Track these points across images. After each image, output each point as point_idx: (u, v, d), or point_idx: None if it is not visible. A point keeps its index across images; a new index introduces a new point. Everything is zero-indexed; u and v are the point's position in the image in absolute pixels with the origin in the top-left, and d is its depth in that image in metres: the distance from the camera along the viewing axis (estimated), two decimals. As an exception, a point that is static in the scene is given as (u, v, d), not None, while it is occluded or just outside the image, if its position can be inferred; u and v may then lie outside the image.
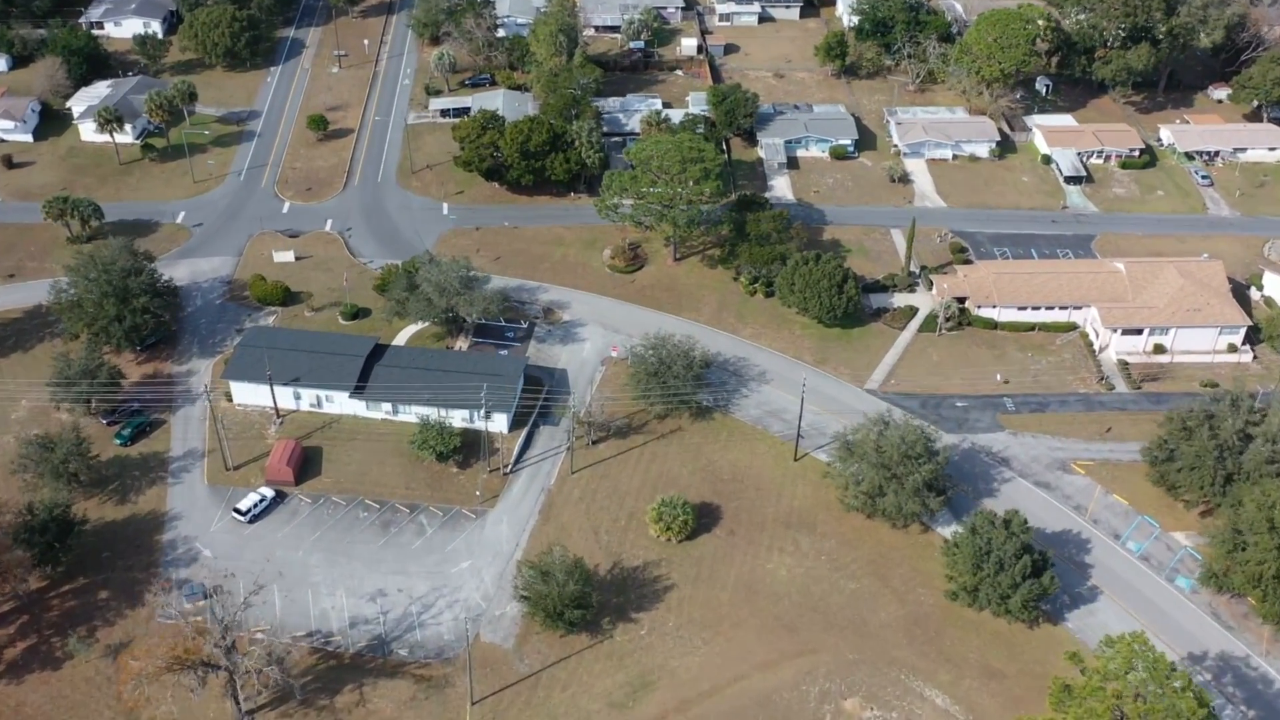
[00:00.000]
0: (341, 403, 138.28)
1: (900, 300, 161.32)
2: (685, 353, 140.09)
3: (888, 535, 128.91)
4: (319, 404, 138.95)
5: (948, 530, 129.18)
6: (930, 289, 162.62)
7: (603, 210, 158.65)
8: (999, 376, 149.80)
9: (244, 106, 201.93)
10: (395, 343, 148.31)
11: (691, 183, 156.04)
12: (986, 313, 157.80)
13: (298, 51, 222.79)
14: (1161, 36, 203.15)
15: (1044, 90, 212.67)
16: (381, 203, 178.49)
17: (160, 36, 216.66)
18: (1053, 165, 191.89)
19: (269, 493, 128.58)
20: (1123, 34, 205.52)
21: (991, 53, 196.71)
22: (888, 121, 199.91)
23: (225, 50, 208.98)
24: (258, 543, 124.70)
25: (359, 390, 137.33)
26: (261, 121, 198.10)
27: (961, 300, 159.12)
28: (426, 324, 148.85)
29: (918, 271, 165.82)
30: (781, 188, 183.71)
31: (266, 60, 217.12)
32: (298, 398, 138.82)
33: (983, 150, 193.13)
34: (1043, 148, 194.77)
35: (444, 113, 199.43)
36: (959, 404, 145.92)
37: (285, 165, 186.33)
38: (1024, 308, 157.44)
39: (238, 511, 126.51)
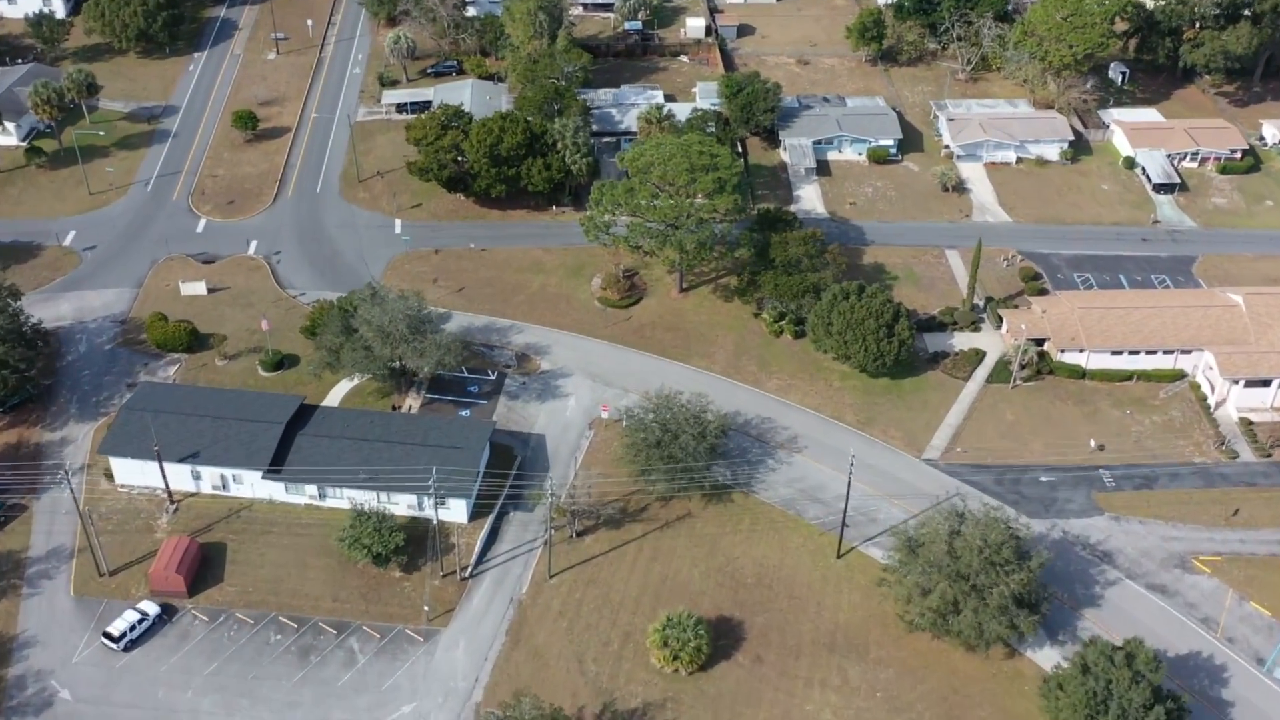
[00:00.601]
0: (254, 484, 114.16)
1: (963, 341, 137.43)
2: (696, 416, 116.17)
3: (962, 663, 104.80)
4: (224, 486, 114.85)
5: (1040, 654, 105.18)
6: (1000, 327, 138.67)
7: (590, 232, 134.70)
8: (1092, 442, 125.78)
9: (158, 101, 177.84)
10: (326, 403, 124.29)
11: (702, 197, 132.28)
12: (1072, 358, 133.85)
13: (228, 34, 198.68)
14: (1264, 13, 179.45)
15: (1119, 79, 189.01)
16: (320, 219, 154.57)
17: (61, 16, 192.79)
18: (1137, 170, 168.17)
19: (151, 609, 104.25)
20: (1217, 10, 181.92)
21: (1061, 34, 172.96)
22: (936, 117, 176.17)
23: (138, 33, 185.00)
24: (133, 679, 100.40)
25: (276, 468, 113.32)
26: (179, 119, 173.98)
27: (1040, 342, 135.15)
28: (367, 377, 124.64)
29: (983, 305, 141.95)
30: (810, 199, 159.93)
31: (190, 44, 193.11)
32: (197, 477, 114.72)
33: (1053, 152, 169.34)
34: (1124, 148, 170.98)
35: (400, 108, 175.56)
36: (1043, 478, 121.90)
37: (204, 173, 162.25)
38: (1119, 351, 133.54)
39: (108, 637, 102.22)
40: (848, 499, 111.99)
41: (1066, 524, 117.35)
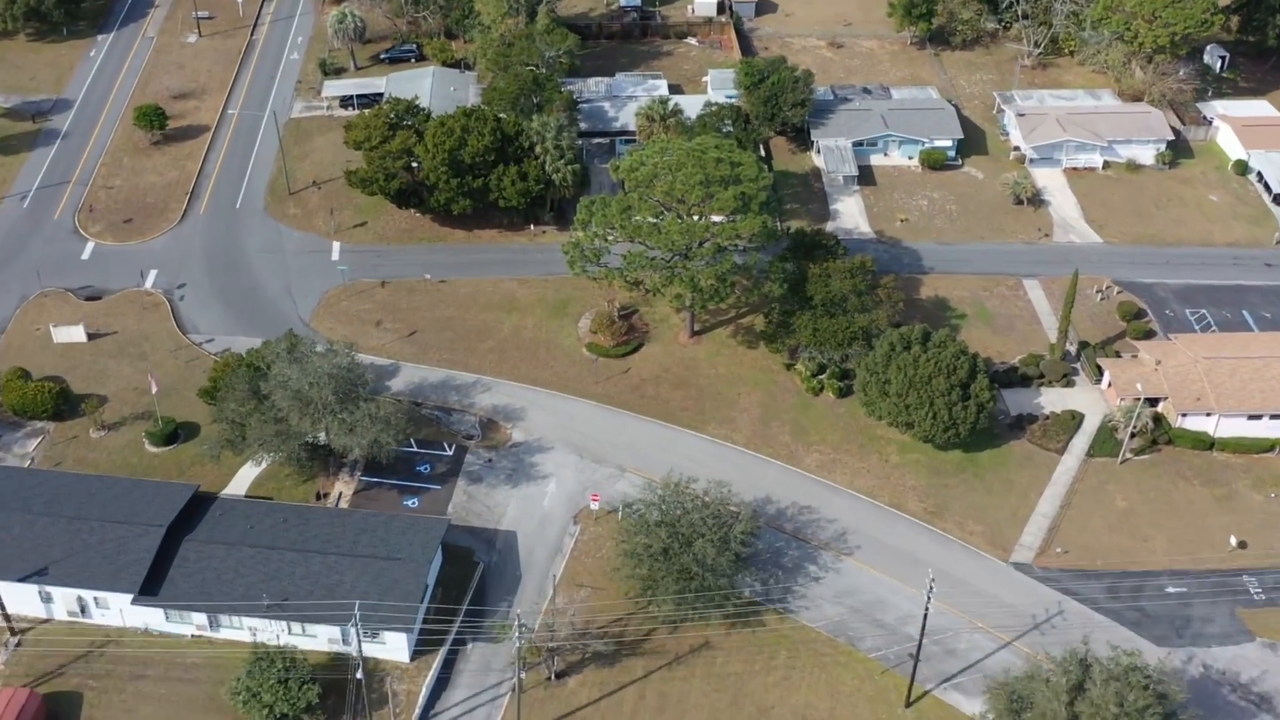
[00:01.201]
0: (122, 610, 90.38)
1: (1053, 400, 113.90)
2: (716, 512, 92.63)
3: None
4: (83, 612, 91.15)
5: None
6: (1100, 381, 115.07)
7: (576, 262, 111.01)
8: (1232, 539, 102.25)
9: (48, 94, 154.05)
10: (229, 491, 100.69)
11: (720, 217, 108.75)
12: (1195, 422, 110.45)
13: (141, 12, 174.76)
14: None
15: (1218, 64, 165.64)
16: (238, 242, 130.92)
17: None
18: (1251, 176, 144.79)
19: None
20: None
21: (1154, 10, 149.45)
22: (1001, 112, 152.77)
23: (27, 10, 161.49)
24: None
25: (152, 589, 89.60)
26: (71, 116, 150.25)
27: (1153, 402, 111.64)
28: (281, 456, 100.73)
29: (1076, 352, 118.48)
30: (850, 214, 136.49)
31: (93, 25, 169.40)
32: (48, 600, 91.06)
33: (1147, 155, 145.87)
34: (1234, 150, 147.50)
35: (345, 101, 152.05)
36: (1171, 589, 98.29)
37: (97, 184, 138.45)
38: (1257, 416, 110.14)
39: (-96, 841, 78.70)
40: (923, 633, 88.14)
41: (1206, 654, 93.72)
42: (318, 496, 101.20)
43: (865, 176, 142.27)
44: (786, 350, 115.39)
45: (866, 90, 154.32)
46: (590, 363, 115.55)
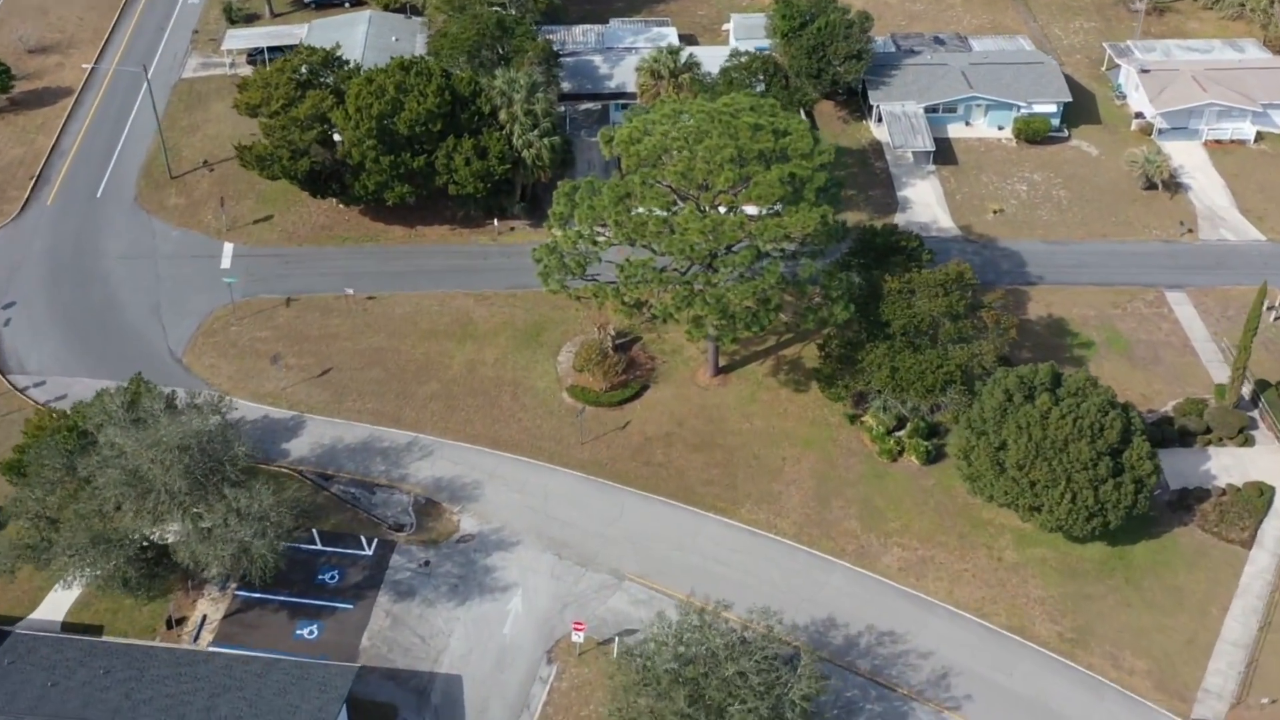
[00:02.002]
0: None
1: (1227, 465, 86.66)
2: (761, 659, 65.37)
3: None
4: None
5: None
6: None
7: (550, 275, 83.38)
8: None
9: None
10: (35, 619, 73.41)
11: (757, 209, 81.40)
12: None
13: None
14: None
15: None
16: (96, 243, 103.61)
17: None
18: None
19: None
20: None
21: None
22: (1115, 68, 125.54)
23: None
24: None
25: (-108, 787, 62.67)
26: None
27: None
28: (100, 576, 72.87)
29: (1251, 397, 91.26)
30: (925, 204, 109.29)
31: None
32: None
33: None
34: None
35: (253, 57, 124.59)
36: None
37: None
38: None
39: None
40: None
41: None
42: (169, 624, 73.94)
43: (942, 153, 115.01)
44: (850, 397, 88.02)
45: (938, 40, 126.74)
46: (574, 414, 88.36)
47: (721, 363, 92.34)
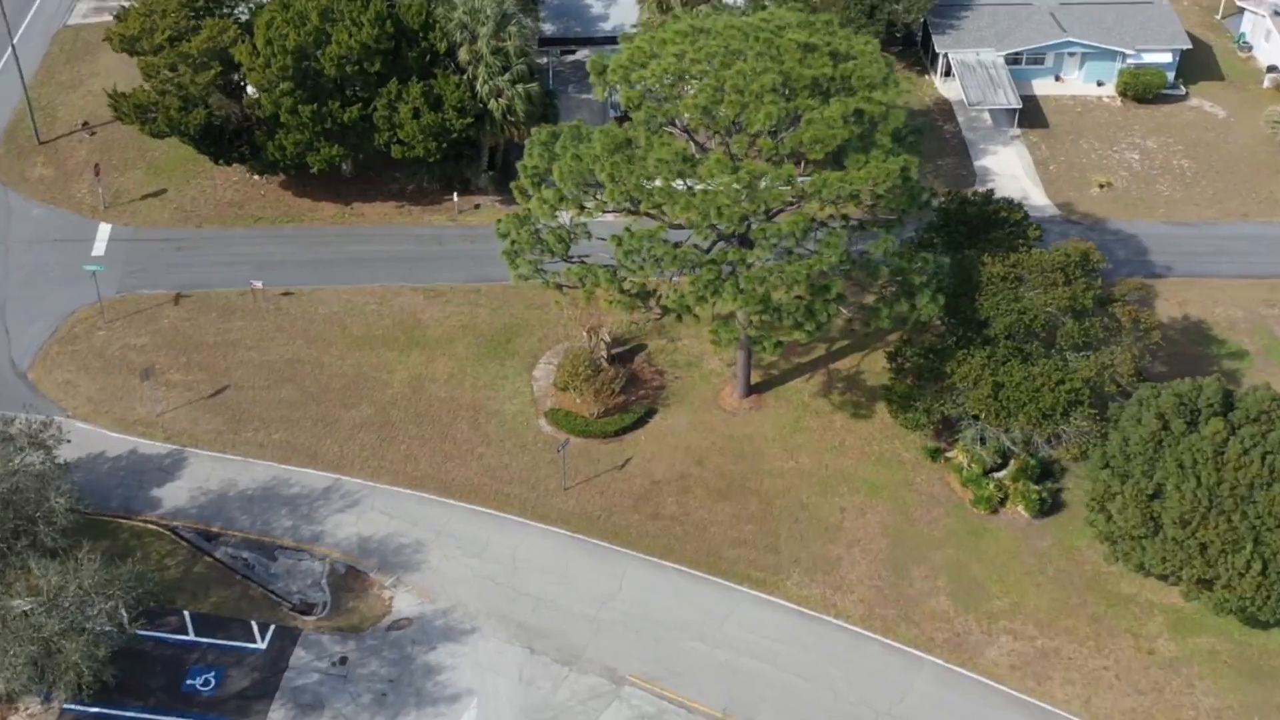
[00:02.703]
0: None
1: None
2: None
3: None
4: None
5: None
6: None
7: (521, 257, 63.13)
8: None
9: None
10: None
11: (806, 167, 61.46)
12: None
13: None
14: None
15: None
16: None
17: None
18: None
19: None
20: None
21: None
22: (1237, 15, 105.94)
23: None
24: None
25: None
26: None
27: None
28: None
29: None
30: (1011, 174, 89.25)
31: None
32: None
33: None
34: None
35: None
36: None
37: None
38: None
39: None
40: None
41: None
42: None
43: (1027, 115, 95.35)
44: (932, 424, 68.11)
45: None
46: (554, 448, 68.46)
47: (755, 379, 72.39)
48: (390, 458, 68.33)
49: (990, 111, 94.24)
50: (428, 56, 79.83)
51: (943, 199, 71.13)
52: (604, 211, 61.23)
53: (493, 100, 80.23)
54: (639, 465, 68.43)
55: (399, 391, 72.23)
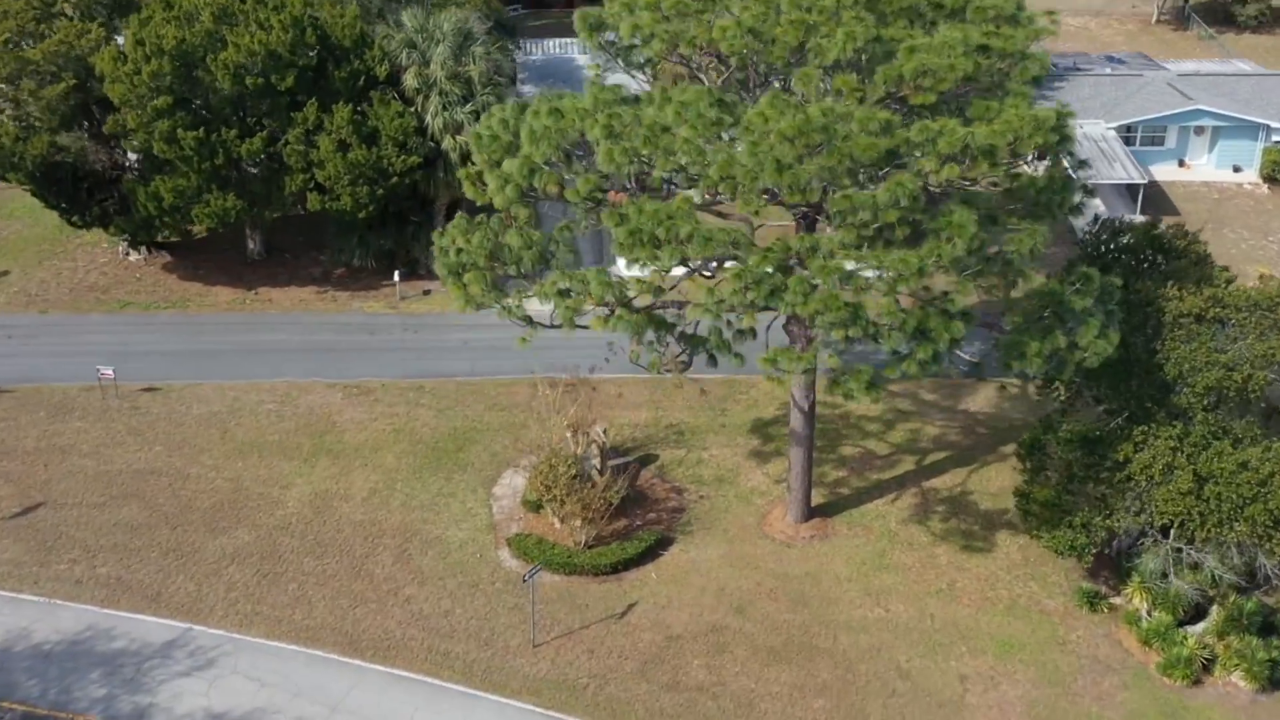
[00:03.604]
0: None
1: None
2: None
3: None
4: None
5: None
6: None
7: (471, 281, 42.87)
8: None
9: None
10: None
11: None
12: None
13: None
14: None
15: None
16: None
17: None
18: None
19: None
20: None
21: None
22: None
23: None
24: None
25: None
26: None
27: None
28: None
29: None
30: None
31: None
32: None
33: None
34: None
35: None
36: None
37: None
38: None
39: None
40: None
41: None
42: None
43: (1151, 201, 77.42)
44: (1093, 544, 47.53)
45: (1114, 59, 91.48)
46: (516, 587, 47.95)
47: (818, 499, 52.38)
48: (272, 601, 47.71)
49: (1104, 198, 76.71)
50: (360, 80, 62.53)
51: (1095, 225, 52.43)
52: (595, 195, 42.15)
53: (448, 138, 62.53)
54: (648, 614, 47.75)
55: (294, 513, 52.04)
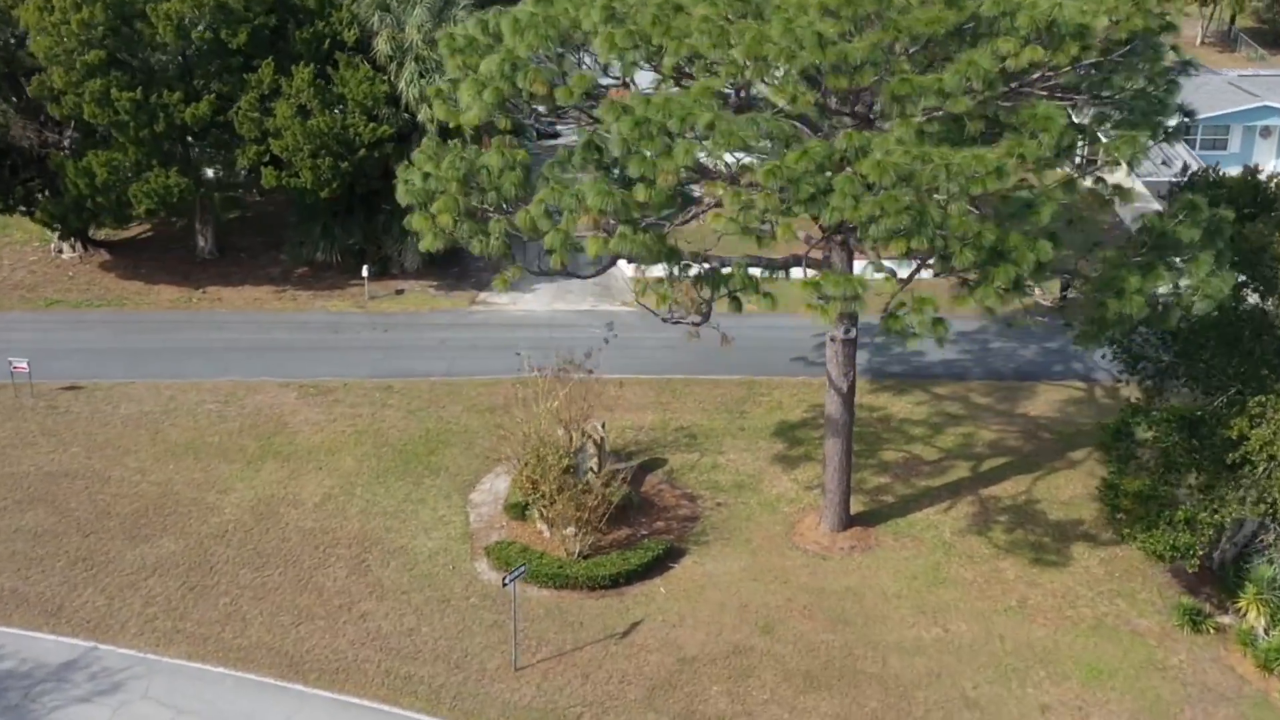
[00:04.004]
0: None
1: None
2: None
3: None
4: None
5: None
6: None
7: (440, 208, 35.88)
8: None
9: None
10: None
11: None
12: None
13: None
14: None
15: None
16: None
17: None
18: None
19: None
20: None
21: None
22: None
23: None
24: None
25: None
26: None
27: None
28: None
29: None
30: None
31: None
32: None
33: None
34: None
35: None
36: None
37: None
38: None
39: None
40: None
41: None
42: None
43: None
44: (1201, 543, 40.06)
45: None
46: (497, 599, 40.35)
47: (856, 507, 45.00)
48: (197, 617, 40.09)
49: (1161, 196, 70.32)
50: (325, 43, 56.01)
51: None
52: (592, 93, 35.20)
53: (424, 108, 55.92)
54: (656, 633, 40.12)
55: (232, 520, 44.58)
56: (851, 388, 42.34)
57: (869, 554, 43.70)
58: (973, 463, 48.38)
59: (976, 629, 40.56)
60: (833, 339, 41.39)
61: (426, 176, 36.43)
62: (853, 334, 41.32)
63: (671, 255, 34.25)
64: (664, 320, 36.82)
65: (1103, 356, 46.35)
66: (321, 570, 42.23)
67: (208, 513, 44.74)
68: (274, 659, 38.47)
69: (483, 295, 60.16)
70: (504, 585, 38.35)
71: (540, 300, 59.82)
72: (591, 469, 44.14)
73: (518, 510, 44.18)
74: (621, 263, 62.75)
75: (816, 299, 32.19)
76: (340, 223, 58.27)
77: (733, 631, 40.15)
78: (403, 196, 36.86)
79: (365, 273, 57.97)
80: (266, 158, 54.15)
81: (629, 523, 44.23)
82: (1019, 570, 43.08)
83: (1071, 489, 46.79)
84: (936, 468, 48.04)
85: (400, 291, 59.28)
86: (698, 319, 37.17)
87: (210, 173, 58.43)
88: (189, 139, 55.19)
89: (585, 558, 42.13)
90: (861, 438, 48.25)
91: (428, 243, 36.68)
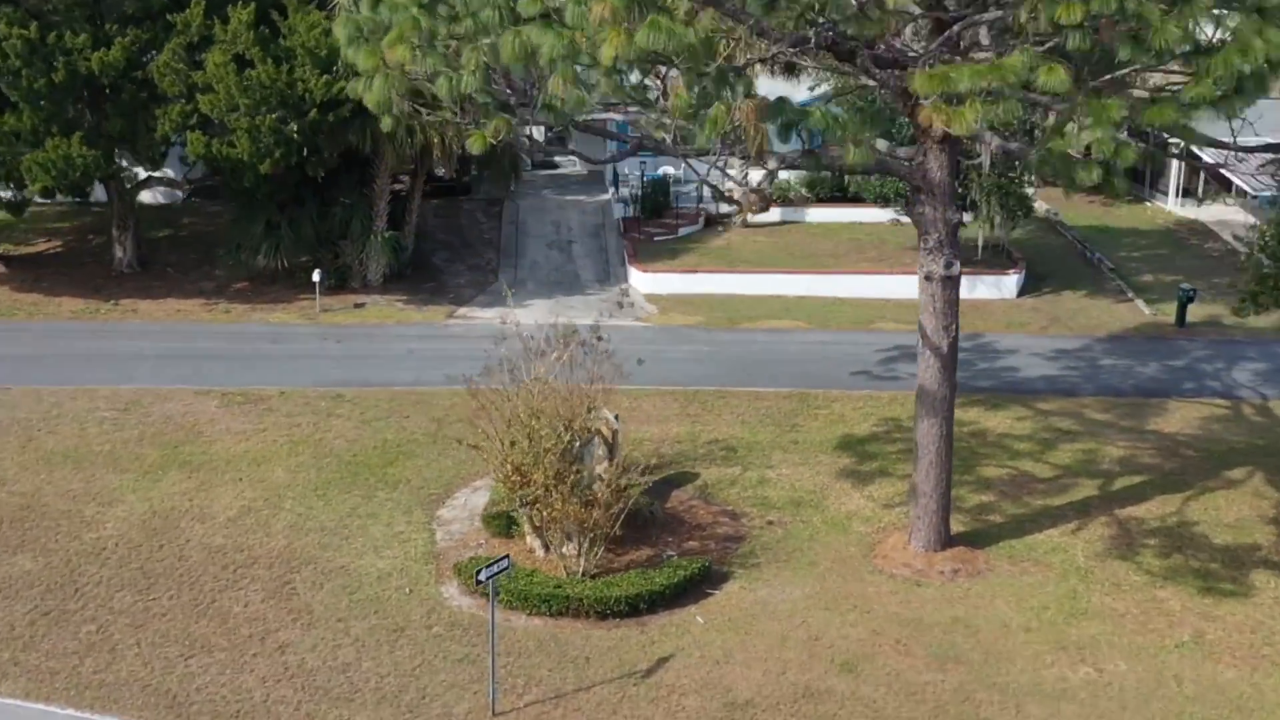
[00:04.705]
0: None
1: None
2: None
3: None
4: None
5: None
6: None
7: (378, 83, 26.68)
8: None
9: None
10: None
11: None
12: None
13: None
14: None
15: None
16: None
17: None
18: None
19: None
20: None
21: None
22: None
23: None
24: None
25: None
26: None
27: None
28: None
29: None
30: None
31: None
32: None
33: None
34: None
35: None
36: None
37: None
38: None
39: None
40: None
41: None
42: None
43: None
44: None
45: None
46: (469, 630, 30.07)
47: (957, 526, 34.94)
48: (48, 648, 29.58)
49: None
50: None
51: None
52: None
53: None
54: (694, 671, 29.69)
55: (115, 535, 34.26)
56: (953, 347, 32.52)
57: (978, 579, 33.33)
58: (1100, 480, 38.31)
59: (1141, 670, 30.09)
60: (928, 277, 31.83)
61: (377, 3, 27.18)
62: (956, 269, 31.76)
63: (721, 79, 24.66)
64: (720, 173, 27.31)
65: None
66: (228, 593, 31.81)
67: (82, 527, 34.44)
68: (148, 698, 27.96)
69: (463, 310, 50.61)
70: (477, 583, 28.06)
71: (534, 315, 50.04)
72: (600, 475, 34.11)
73: (501, 523, 33.90)
74: (634, 276, 53.80)
75: (939, 98, 22.62)
76: (288, 218, 48.90)
77: (801, 670, 29.67)
78: (341, 28, 27.53)
79: (316, 276, 48.37)
80: (194, 120, 45.06)
81: (650, 541, 33.96)
82: (1185, 600, 32.69)
83: (1236, 510, 36.73)
84: (1054, 485, 37.95)
85: (360, 305, 49.64)
86: (759, 205, 27.70)
87: (124, 163, 49.38)
88: (98, 101, 46.12)
89: (592, 577, 31.97)
90: (954, 453, 38.32)
91: (373, 99, 27.16)
